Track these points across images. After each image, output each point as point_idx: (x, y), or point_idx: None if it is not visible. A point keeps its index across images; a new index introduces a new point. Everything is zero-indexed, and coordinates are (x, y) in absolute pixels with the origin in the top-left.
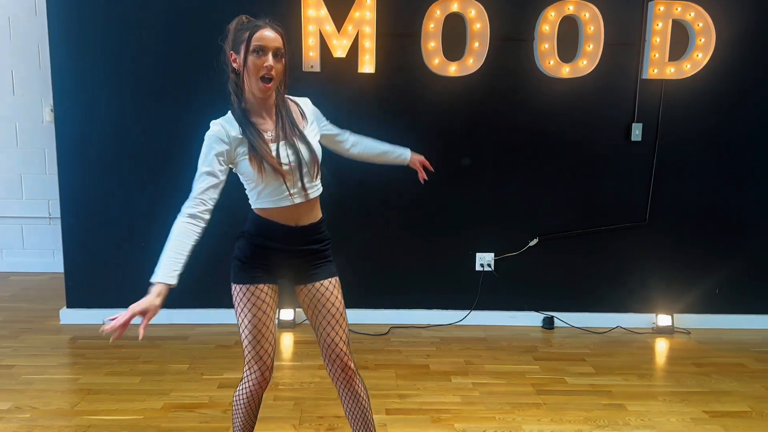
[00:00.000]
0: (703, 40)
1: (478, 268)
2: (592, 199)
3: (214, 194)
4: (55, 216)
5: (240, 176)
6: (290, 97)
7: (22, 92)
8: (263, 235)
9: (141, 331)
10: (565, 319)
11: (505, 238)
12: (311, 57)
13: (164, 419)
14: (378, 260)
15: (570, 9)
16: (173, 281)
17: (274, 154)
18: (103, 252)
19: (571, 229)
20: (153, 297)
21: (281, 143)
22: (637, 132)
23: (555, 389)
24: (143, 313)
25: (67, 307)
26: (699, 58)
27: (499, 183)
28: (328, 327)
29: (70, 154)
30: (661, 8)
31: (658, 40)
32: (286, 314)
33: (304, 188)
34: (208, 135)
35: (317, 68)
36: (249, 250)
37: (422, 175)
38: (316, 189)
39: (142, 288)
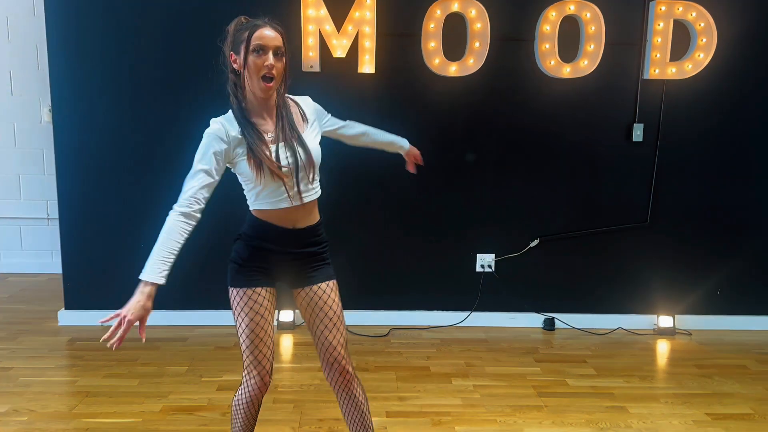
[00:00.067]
0: (704, 40)
1: (478, 269)
2: (593, 200)
3: (208, 193)
4: (53, 217)
5: (238, 176)
6: (291, 96)
7: (21, 92)
8: (261, 237)
9: (143, 336)
10: (566, 320)
11: (505, 239)
12: (311, 57)
13: (163, 422)
14: (378, 261)
15: (571, 9)
16: (163, 281)
17: (273, 155)
18: (102, 253)
19: (572, 229)
20: (145, 300)
21: (281, 145)
22: (638, 132)
23: (556, 391)
24: (140, 320)
25: (65, 308)
26: (700, 58)
27: (499, 184)
28: (325, 330)
29: (68, 155)
30: (663, 8)
31: (659, 40)
32: (286, 316)
33: (300, 191)
34: (207, 132)
35: (317, 68)
36: (246, 253)
37: (411, 168)
38: (314, 192)
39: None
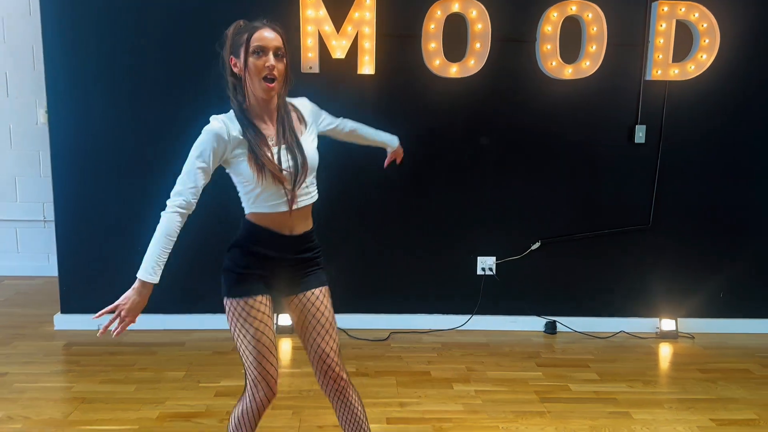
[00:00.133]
0: (707, 41)
1: (479, 272)
2: (595, 202)
3: (201, 191)
4: (49, 219)
5: (236, 178)
6: (288, 100)
7: (16, 94)
8: (259, 243)
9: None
10: (567, 323)
11: (506, 242)
12: (310, 58)
13: (160, 429)
14: (378, 263)
15: (573, 9)
16: (157, 280)
17: (275, 158)
18: (99, 256)
19: (573, 232)
20: (143, 301)
21: (282, 147)
22: (640, 134)
23: (559, 396)
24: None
25: (62, 312)
26: (703, 59)
27: (500, 186)
28: (318, 337)
29: (64, 157)
30: (665, 9)
31: (661, 41)
32: (285, 320)
33: (298, 195)
34: (207, 130)
35: (316, 69)
36: (244, 260)
37: (387, 163)
38: (310, 197)
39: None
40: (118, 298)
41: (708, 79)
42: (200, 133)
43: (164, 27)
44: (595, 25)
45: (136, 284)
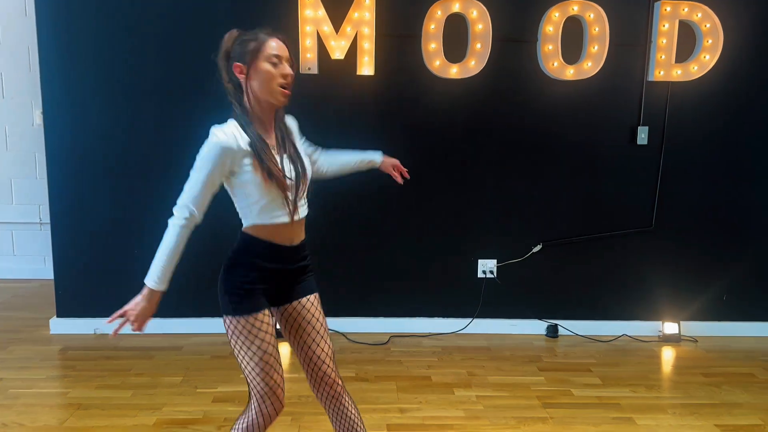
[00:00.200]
0: (710, 41)
1: (480, 275)
2: (597, 204)
3: (208, 203)
4: (46, 221)
5: (238, 189)
6: None
7: (12, 95)
8: (260, 257)
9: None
10: (569, 327)
11: (507, 245)
12: (309, 59)
13: None
14: (378, 266)
15: (574, 9)
16: (164, 288)
17: (280, 167)
18: (95, 260)
19: (575, 234)
20: (152, 308)
21: (284, 156)
22: (643, 135)
23: (561, 402)
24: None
25: (57, 316)
26: (706, 59)
27: (501, 188)
28: (313, 344)
29: (60, 159)
30: (668, 9)
31: (664, 41)
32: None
33: (298, 206)
34: (215, 143)
35: (315, 70)
36: (247, 277)
37: (398, 180)
38: (306, 207)
39: (134, 296)
40: (114, 301)
41: (711, 80)
42: (199, 134)
43: (161, 27)
44: (597, 25)
45: (144, 291)
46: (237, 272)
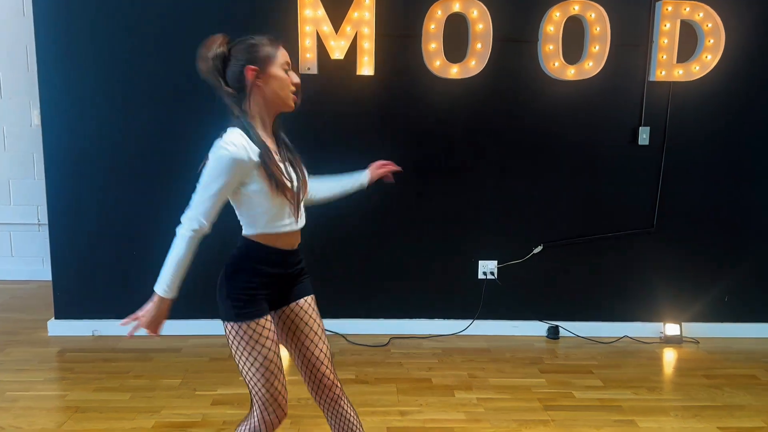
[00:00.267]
0: (712, 41)
1: (480, 276)
2: (598, 205)
3: (218, 215)
4: (44, 222)
5: (246, 200)
6: None
7: (10, 95)
8: (263, 263)
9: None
10: (570, 328)
11: (508, 246)
12: (308, 59)
13: None
14: (377, 267)
15: (575, 9)
16: (174, 296)
17: (286, 174)
18: (93, 261)
19: (576, 235)
20: (162, 315)
21: (287, 164)
22: (644, 136)
23: (563, 404)
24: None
25: (55, 318)
26: (708, 59)
27: (502, 188)
28: (311, 345)
29: (57, 159)
30: (669, 8)
31: (665, 41)
32: None
33: (300, 212)
34: (228, 156)
35: (314, 70)
36: (250, 283)
37: (390, 178)
38: (305, 212)
39: (132, 298)
40: (113, 303)
41: (713, 80)
42: (198, 135)
43: (159, 27)
44: (598, 25)
45: (153, 298)
46: (240, 278)
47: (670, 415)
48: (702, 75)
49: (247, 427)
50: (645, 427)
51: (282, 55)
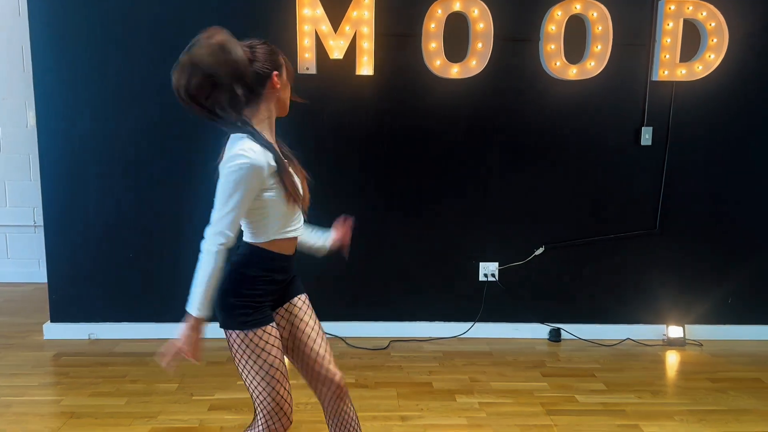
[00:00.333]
0: (715, 40)
1: (481, 278)
2: (600, 206)
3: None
4: (40, 224)
5: (259, 208)
6: None
7: (6, 96)
8: (272, 270)
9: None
10: (572, 331)
11: (509, 247)
12: (307, 58)
13: None
14: (377, 269)
15: (577, 8)
16: (209, 314)
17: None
18: (89, 263)
19: (578, 237)
20: (200, 335)
21: (290, 168)
22: (647, 136)
23: (566, 409)
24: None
25: (51, 321)
26: (711, 59)
27: (503, 189)
28: (312, 342)
29: (53, 160)
30: (672, 7)
31: (668, 40)
32: None
33: (304, 216)
34: (248, 164)
35: (313, 70)
36: (257, 290)
37: (345, 251)
38: None
39: (129, 300)
40: (109, 305)
41: (716, 80)
42: (195, 135)
43: (155, 28)
44: (601, 24)
45: (189, 321)
46: (245, 285)
47: (675, 419)
48: (705, 74)
49: None
50: None
51: (289, 63)
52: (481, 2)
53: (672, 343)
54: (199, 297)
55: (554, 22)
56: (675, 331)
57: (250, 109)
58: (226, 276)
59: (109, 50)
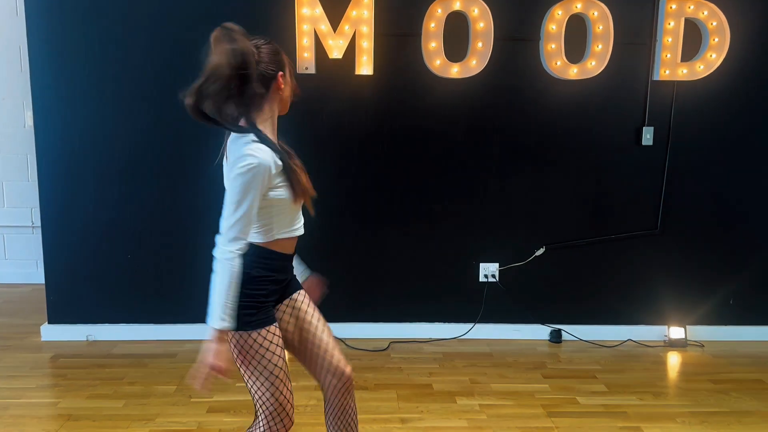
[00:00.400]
0: (716, 39)
1: (482, 279)
2: (601, 207)
3: None
4: (38, 225)
5: (266, 207)
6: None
7: (4, 95)
8: (275, 270)
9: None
10: (573, 331)
11: (510, 248)
12: (306, 58)
13: None
14: (377, 270)
15: (578, 7)
16: (233, 323)
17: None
18: (87, 263)
19: (579, 237)
20: (228, 345)
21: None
22: (648, 136)
23: (567, 410)
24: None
25: (49, 322)
26: (712, 58)
27: (503, 190)
28: (321, 333)
29: (50, 160)
30: (673, 6)
31: (669, 39)
32: None
33: (310, 208)
34: (255, 166)
35: (312, 70)
36: (261, 290)
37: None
38: None
39: (128, 302)
40: (107, 307)
41: (718, 79)
42: (190, 136)
43: (152, 27)
44: (601, 23)
45: (215, 334)
46: (249, 285)
47: (677, 421)
48: (707, 74)
49: None
50: None
51: (289, 61)
52: (481, 1)
53: (673, 344)
54: (220, 308)
55: (555, 22)
56: (676, 332)
57: (259, 110)
58: None
59: (107, 50)
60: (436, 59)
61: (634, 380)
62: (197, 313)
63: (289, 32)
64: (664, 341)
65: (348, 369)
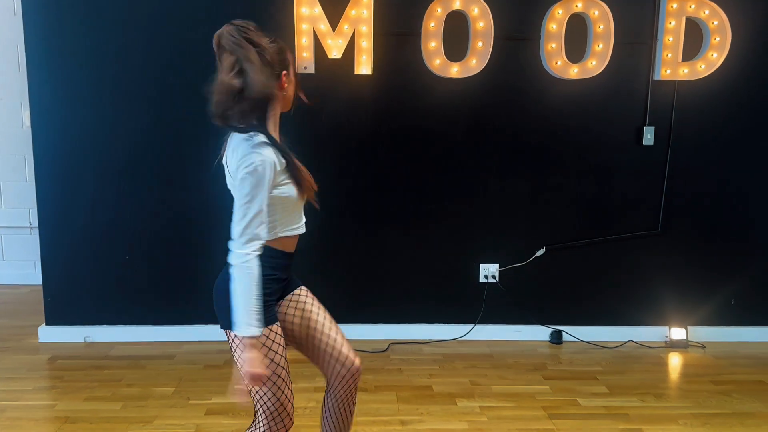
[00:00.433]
0: (718, 38)
1: (482, 279)
2: (602, 207)
3: None
4: (36, 226)
5: (269, 205)
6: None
7: (1, 96)
8: (278, 269)
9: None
10: (573, 333)
11: (510, 248)
12: (305, 58)
13: None
14: (376, 271)
15: (578, 6)
16: (263, 327)
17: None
18: (85, 265)
19: (579, 238)
20: (261, 351)
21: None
22: (648, 136)
23: (568, 412)
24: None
25: (46, 324)
26: (714, 57)
27: (503, 190)
28: (329, 323)
29: (48, 161)
30: (674, 5)
31: (670, 39)
32: None
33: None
34: (263, 161)
35: (311, 69)
36: (265, 289)
37: None
38: None
39: (125, 303)
40: (104, 309)
41: (719, 79)
42: (188, 135)
43: (151, 26)
44: (602, 22)
45: (248, 343)
46: None
47: (679, 423)
48: (708, 74)
49: None
50: None
51: (292, 58)
52: (481, 1)
53: (674, 345)
54: (247, 313)
55: (555, 21)
56: (677, 333)
57: (263, 109)
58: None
59: (106, 50)
60: (435, 59)
61: (636, 381)
62: (196, 315)
63: (288, 31)
64: (666, 342)
65: (357, 360)
